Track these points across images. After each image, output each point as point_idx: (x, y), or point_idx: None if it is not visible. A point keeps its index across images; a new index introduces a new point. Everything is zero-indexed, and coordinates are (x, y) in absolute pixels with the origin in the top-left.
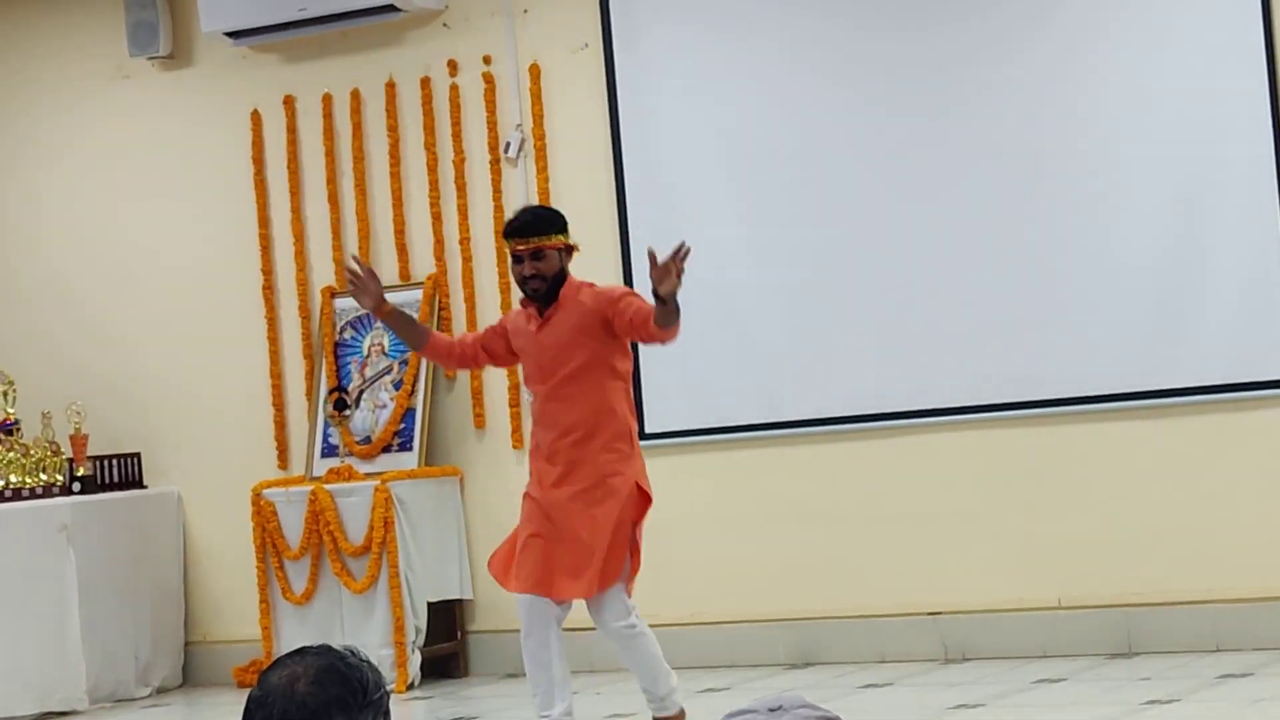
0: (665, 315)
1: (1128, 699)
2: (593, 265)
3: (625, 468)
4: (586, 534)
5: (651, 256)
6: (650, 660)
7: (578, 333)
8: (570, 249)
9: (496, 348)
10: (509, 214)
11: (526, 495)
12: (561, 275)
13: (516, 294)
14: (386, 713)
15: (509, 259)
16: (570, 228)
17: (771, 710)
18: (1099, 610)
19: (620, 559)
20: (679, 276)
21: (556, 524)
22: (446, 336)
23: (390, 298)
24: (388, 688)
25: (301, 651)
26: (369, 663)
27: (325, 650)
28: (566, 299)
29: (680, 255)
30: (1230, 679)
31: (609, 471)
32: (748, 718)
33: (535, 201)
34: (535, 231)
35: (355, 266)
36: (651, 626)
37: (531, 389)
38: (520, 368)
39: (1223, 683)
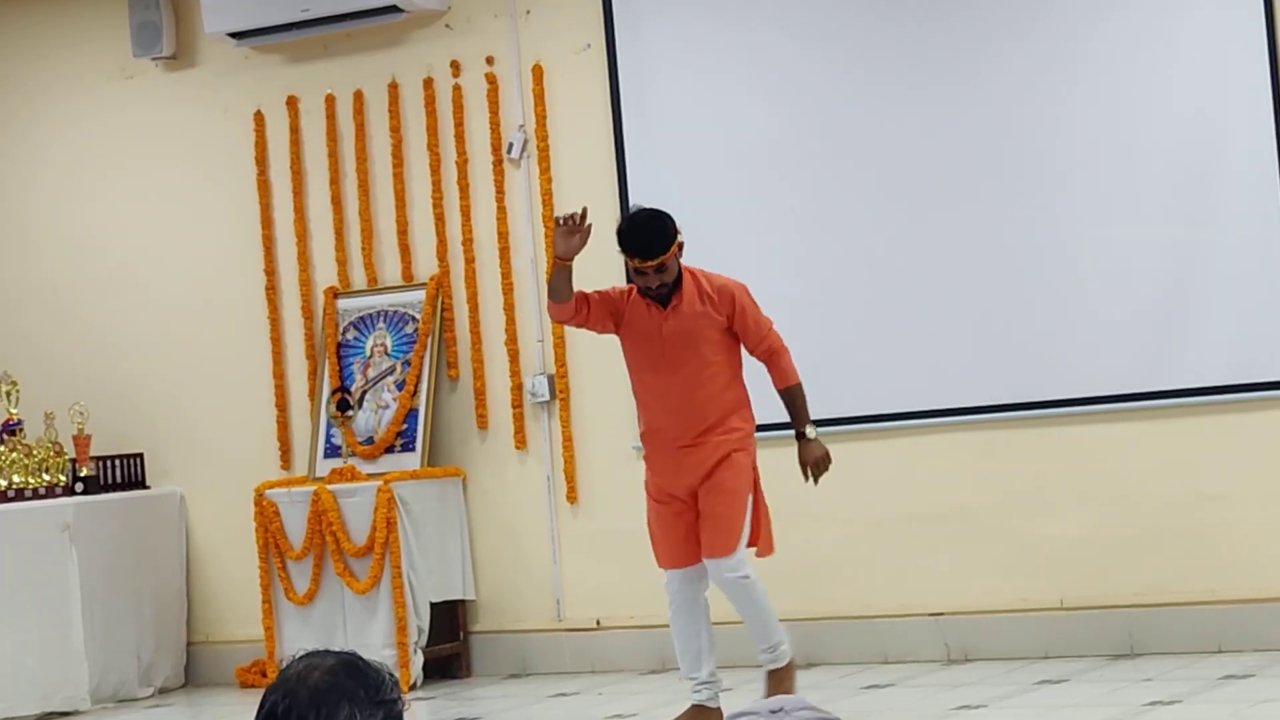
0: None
1: (1130, 700)
2: (594, 266)
3: (746, 444)
4: (709, 504)
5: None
6: (759, 611)
7: (704, 322)
8: (681, 248)
9: (606, 314)
10: (511, 215)
11: (648, 483)
12: (680, 275)
13: (519, 294)
14: (398, 717)
15: (631, 267)
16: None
17: (773, 712)
18: (1101, 611)
19: (738, 524)
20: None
21: (680, 503)
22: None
23: (393, 298)
24: (403, 698)
25: (326, 651)
26: (390, 673)
27: (350, 652)
28: (686, 288)
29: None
30: (1232, 680)
31: (731, 448)
32: (750, 719)
33: (538, 203)
34: (659, 251)
35: (580, 217)
36: (652, 626)
37: (645, 377)
38: (624, 352)
39: (1225, 684)
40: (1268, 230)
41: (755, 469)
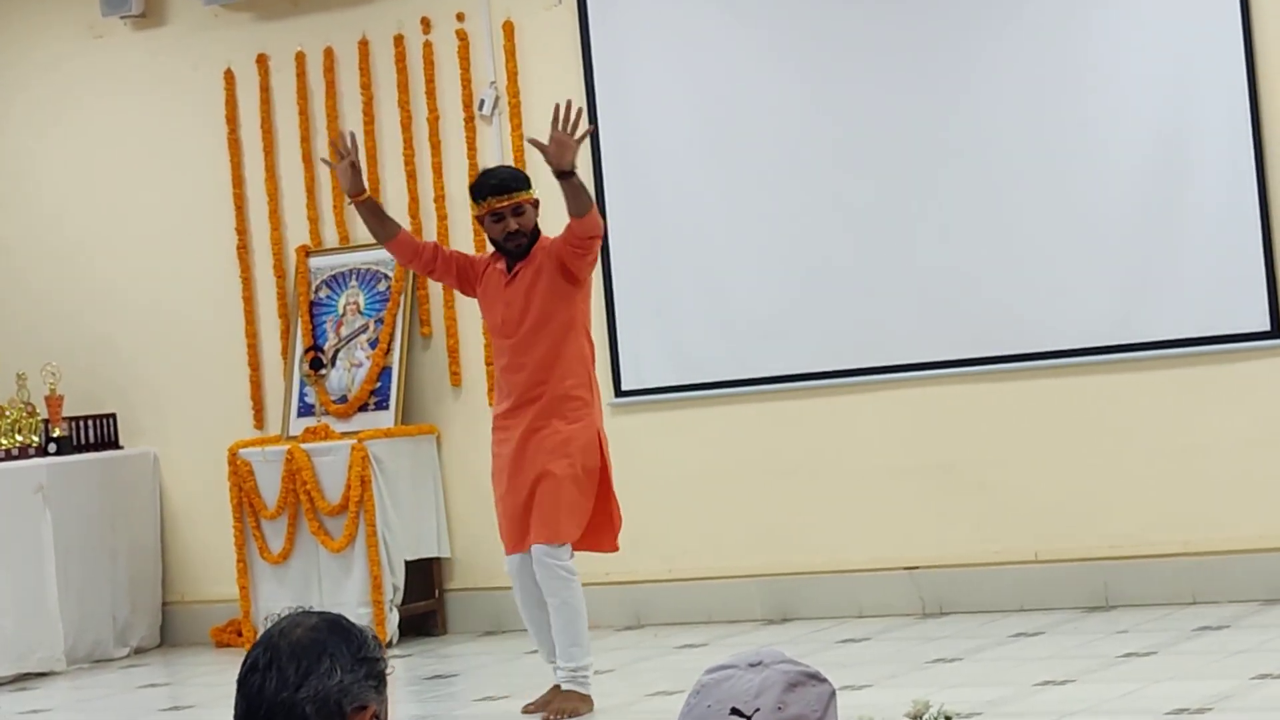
0: (573, 197)
1: (1105, 652)
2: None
3: (586, 416)
4: (547, 485)
5: (535, 142)
6: (575, 625)
7: (540, 285)
8: (538, 205)
9: (466, 273)
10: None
11: (495, 454)
12: (536, 231)
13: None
14: (380, 676)
15: (486, 218)
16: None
17: (751, 665)
18: (1076, 564)
19: (577, 512)
20: (576, 143)
21: (520, 476)
22: (414, 240)
23: (365, 256)
24: (389, 660)
25: (311, 610)
26: (374, 634)
27: (334, 613)
28: (535, 254)
29: (565, 120)
30: (1207, 631)
31: (571, 419)
32: (727, 673)
33: (510, 159)
34: (516, 188)
35: (345, 145)
36: (628, 583)
37: (496, 342)
38: (484, 319)
39: (1200, 635)
40: (1241, 181)
41: (602, 451)
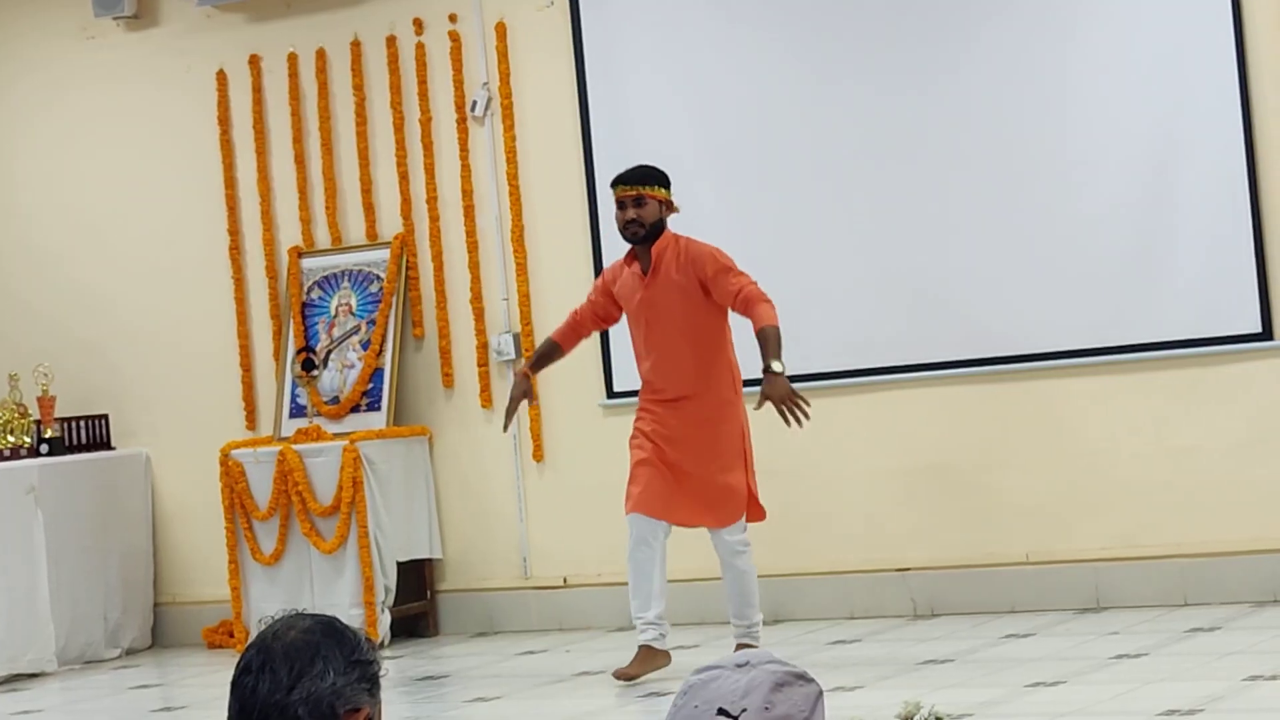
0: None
1: (1096, 653)
2: (560, 223)
3: (733, 415)
4: (721, 483)
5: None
6: (754, 589)
7: (683, 290)
8: (670, 205)
9: (607, 310)
10: (475, 173)
11: (639, 432)
12: (659, 226)
13: (484, 252)
14: (373, 679)
15: (615, 206)
16: (673, 188)
17: (739, 665)
18: (1067, 565)
19: (743, 496)
20: (778, 407)
21: (675, 463)
22: (568, 328)
23: (357, 257)
24: (384, 664)
25: (305, 613)
26: (368, 637)
27: (329, 615)
28: (666, 254)
29: (792, 414)
30: (1199, 633)
31: (721, 416)
32: (714, 673)
33: (502, 160)
34: (640, 180)
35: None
36: (620, 584)
37: (640, 341)
38: (627, 322)
39: (1191, 636)
40: (1232, 183)
41: (747, 443)
